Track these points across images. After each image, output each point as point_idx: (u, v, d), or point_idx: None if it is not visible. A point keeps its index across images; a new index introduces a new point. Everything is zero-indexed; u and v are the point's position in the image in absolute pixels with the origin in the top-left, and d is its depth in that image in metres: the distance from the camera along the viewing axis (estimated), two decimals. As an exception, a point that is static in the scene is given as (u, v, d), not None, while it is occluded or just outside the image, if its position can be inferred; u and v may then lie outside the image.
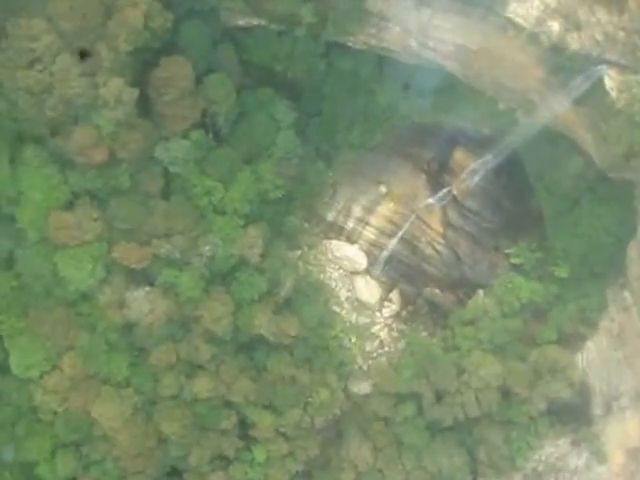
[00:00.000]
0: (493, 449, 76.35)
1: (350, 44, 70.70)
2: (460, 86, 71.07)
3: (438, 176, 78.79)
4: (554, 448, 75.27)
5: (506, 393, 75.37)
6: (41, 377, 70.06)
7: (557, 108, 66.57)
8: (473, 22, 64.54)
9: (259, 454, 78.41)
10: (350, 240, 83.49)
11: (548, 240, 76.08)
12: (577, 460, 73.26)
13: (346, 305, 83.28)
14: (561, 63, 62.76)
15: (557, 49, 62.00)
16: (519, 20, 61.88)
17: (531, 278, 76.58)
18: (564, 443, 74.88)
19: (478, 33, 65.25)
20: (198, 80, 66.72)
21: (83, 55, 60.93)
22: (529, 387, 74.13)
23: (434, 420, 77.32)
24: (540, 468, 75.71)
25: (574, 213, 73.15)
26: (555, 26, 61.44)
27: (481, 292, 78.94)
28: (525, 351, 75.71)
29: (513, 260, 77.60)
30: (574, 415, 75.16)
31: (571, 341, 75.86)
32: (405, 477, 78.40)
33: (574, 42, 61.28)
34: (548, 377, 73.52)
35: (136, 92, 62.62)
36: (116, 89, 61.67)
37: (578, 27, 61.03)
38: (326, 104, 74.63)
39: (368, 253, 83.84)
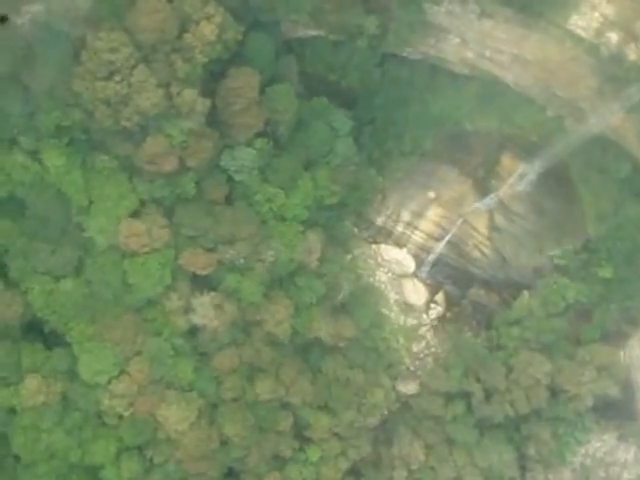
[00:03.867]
0: (542, 445, 79.08)
1: (406, 54, 72.75)
2: (511, 94, 73.27)
3: (485, 181, 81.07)
4: (600, 443, 78.13)
5: (554, 390, 78.09)
6: (109, 382, 71.10)
7: (608, 116, 69.24)
8: (532, 33, 67.08)
9: (313, 454, 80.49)
10: (399, 244, 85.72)
11: (592, 242, 78.56)
12: (626, 454, 76.13)
13: (394, 307, 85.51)
14: (616, 73, 65.49)
15: (615, 60, 64.84)
16: (580, 32, 64.61)
17: (575, 279, 79.09)
18: (610, 438, 77.92)
19: (536, 44, 67.76)
20: (261, 90, 68.48)
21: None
22: (577, 384, 76.96)
23: (483, 417, 79.86)
24: (588, 462, 78.54)
25: (619, 215, 75.81)
26: (614, 37, 64.24)
27: (526, 293, 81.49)
28: (571, 349, 78.44)
29: (557, 261, 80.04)
30: (618, 411, 78.03)
31: (614, 339, 78.82)
32: (457, 473, 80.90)
33: (632, 53, 64.12)
34: (595, 374, 76.37)
35: (208, 102, 64.22)
36: (190, 99, 63.22)
37: (636, 38, 63.83)
38: (379, 112, 76.41)
39: (416, 256, 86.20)
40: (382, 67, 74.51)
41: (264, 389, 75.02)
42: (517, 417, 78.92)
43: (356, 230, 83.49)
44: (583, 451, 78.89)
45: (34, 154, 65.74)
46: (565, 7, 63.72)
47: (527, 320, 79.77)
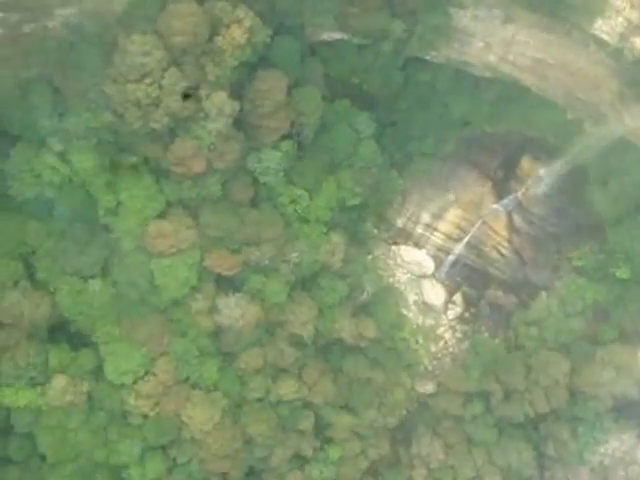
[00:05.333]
0: (561, 444, 79.99)
1: (429, 58, 73.48)
2: (531, 97, 74.10)
3: (504, 183, 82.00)
4: (619, 442, 78.98)
5: (573, 390, 78.94)
6: (134, 382, 71.61)
7: (628, 119, 70.14)
8: (556, 38, 67.92)
9: (334, 453, 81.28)
10: (418, 245, 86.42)
11: (609, 243, 79.38)
12: (645, 453, 77.03)
13: (413, 308, 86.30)
14: (638, 77, 66.39)
15: (638, 64, 65.76)
16: (604, 36, 65.53)
17: (593, 280, 79.98)
18: (629, 437, 78.75)
19: (559, 48, 68.62)
20: (287, 92, 69.05)
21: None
22: (595, 385, 77.82)
23: (502, 417, 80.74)
24: (607, 462, 79.39)
25: (636, 217, 76.67)
26: (638, 42, 65.17)
27: (544, 294, 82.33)
28: (590, 350, 79.28)
29: (575, 263, 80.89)
30: (637, 410, 78.89)
31: (633, 339, 79.65)
32: (476, 472, 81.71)
33: (655, 57, 65.09)
34: (613, 374, 77.21)
35: (237, 105, 64.84)
36: (219, 102, 63.85)
37: (660, 43, 64.82)
38: (401, 115, 77.14)
39: (435, 257, 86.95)
40: (404, 70, 75.12)
41: (288, 389, 75.75)
42: (536, 417, 79.67)
43: (376, 231, 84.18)
44: (602, 450, 79.83)
45: (63, 155, 66.20)
46: (590, 12, 64.54)
47: (545, 320, 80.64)
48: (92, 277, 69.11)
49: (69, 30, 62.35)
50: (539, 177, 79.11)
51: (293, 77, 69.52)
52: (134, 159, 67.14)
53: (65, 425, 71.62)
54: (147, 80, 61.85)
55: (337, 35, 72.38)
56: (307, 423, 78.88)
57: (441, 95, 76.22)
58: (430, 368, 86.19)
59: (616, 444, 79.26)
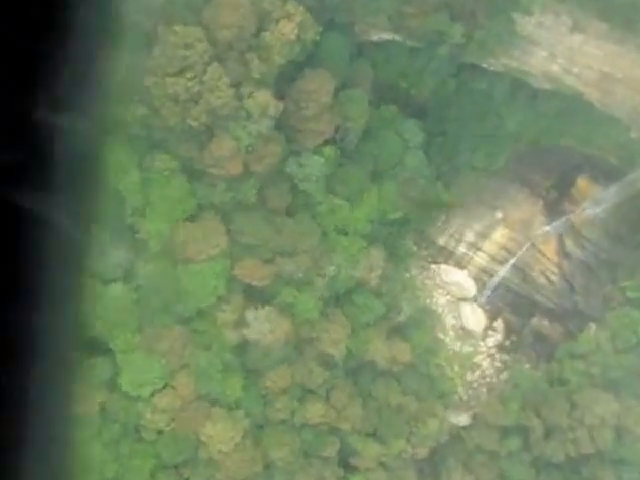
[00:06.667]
0: (604, 489, 74.41)
1: (485, 65, 68.86)
2: (593, 112, 69.34)
3: (557, 204, 76.88)
4: (667, 489, 73.41)
5: (619, 431, 73.50)
6: (152, 395, 67.01)
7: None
8: (626, 51, 63.19)
9: (357, 483, 76.00)
10: (459, 265, 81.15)
11: (667, 275, 74.36)
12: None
13: (451, 332, 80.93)
14: None
15: None
16: (681, 53, 60.68)
17: (648, 313, 74.79)
18: (678, 485, 73.08)
19: (629, 61, 63.94)
20: (333, 95, 64.71)
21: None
22: (645, 426, 72.50)
23: (541, 455, 75.21)
24: (653, 510, 73.81)
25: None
26: None
27: (593, 326, 76.89)
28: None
29: (630, 294, 75.60)
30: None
31: (686, 379, 74.25)
32: (510, 512, 76.24)
33: None
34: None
35: (281, 106, 60.50)
36: (263, 101, 59.59)
37: None
38: (451, 125, 72.39)
39: (477, 279, 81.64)
40: (458, 77, 70.57)
41: (314, 412, 70.48)
42: (578, 457, 74.12)
43: (415, 248, 79.02)
44: (648, 497, 74.41)
45: (90, 149, 61.96)
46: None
47: (594, 354, 75.06)
48: (114, 280, 64.54)
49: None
50: (596, 199, 74.05)
51: (340, 78, 65.20)
52: (166, 157, 62.94)
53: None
54: (188, 74, 57.96)
55: (388, 36, 68.06)
56: (331, 449, 73.38)
57: (496, 106, 71.39)
58: (465, 398, 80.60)
59: (664, 492, 73.84)
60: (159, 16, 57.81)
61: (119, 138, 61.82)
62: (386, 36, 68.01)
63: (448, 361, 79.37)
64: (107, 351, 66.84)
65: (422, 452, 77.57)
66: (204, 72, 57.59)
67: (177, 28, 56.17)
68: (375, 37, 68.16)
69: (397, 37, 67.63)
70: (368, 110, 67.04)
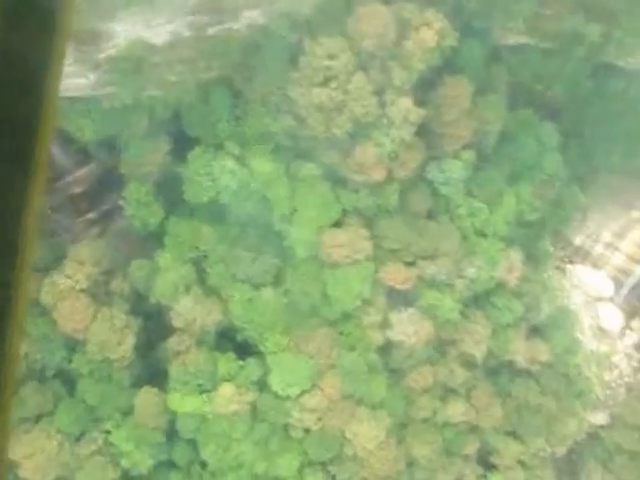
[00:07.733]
0: None
1: (622, 64, 68.59)
2: None
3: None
4: None
5: None
6: (300, 395, 69.57)
7: None
8: None
9: (496, 482, 76.72)
10: (596, 265, 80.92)
11: None
12: None
13: (588, 332, 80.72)
14: None
15: None
16: None
17: None
18: None
19: None
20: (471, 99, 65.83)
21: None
22: None
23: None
24: None
25: None
26: None
27: None
28: None
29: None
30: None
31: None
32: (656, 515, 75.36)
33: None
34: None
35: (423, 112, 62.01)
36: (405, 108, 61.20)
37: None
38: (588, 126, 72.34)
39: (614, 279, 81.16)
40: (593, 78, 70.46)
41: (456, 411, 71.86)
42: None
43: (552, 249, 79.16)
44: None
45: (240, 159, 65.15)
46: None
47: None
48: (264, 285, 67.60)
49: (254, 32, 61.39)
50: None
51: (476, 83, 66.18)
52: (312, 165, 65.52)
53: (229, 434, 70.11)
54: (332, 84, 60.18)
55: (523, 39, 68.69)
56: (471, 448, 74.73)
57: (633, 105, 70.93)
58: (602, 398, 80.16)
59: None
60: (304, 29, 60.31)
61: (266, 148, 65.37)
62: (521, 39, 68.63)
63: (586, 361, 79.23)
64: (258, 353, 70.02)
65: (560, 451, 77.69)
66: (348, 81, 59.60)
67: (322, 40, 58.45)
68: (512, 41, 68.91)
69: (532, 40, 68.12)
70: (504, 113, 67.65)
